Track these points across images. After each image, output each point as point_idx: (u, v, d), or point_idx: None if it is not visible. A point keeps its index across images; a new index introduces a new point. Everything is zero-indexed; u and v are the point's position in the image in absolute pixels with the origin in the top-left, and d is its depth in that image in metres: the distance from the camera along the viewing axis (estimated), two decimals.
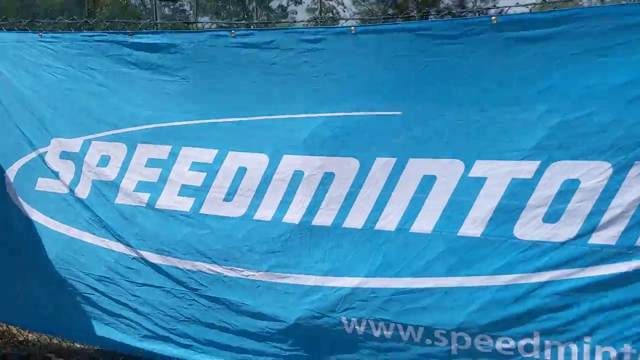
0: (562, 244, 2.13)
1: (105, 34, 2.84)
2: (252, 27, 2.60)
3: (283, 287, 2.54)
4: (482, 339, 2.27)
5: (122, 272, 2.83)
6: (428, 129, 2.29)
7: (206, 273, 2.67)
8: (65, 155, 2.93)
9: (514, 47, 2.12)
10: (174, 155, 2.69)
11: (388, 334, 2.39)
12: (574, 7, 2.28)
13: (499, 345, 2.25)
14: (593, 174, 2.07)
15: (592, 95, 2.05)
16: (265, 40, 2.50)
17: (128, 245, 2.79)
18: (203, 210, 2.65)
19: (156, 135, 2.73)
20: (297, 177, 2.46)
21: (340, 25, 2.50)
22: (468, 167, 2.24)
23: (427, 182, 2.30)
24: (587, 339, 2.13)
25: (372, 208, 2.37)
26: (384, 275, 2.39)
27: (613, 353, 2.10)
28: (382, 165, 2.33)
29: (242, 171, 2.58)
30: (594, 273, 2.10)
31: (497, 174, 2.20)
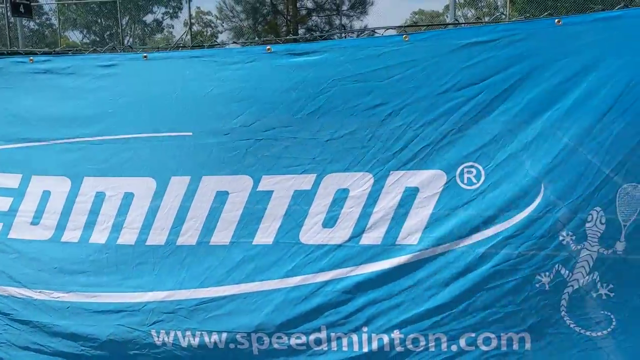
0: (339, 246, 2.40)
1: None
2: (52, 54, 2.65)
3: (93, 307, 2.61)
4: (278, 337, 2.48)
5: None
6: (219, 147, 2.48)
7: (17, 297, 2.68)
8: None
9: (286, 72, 2.38)
10: None
11: (195, 342, 2.54)
12: (334, 40, 2.58)
13: (293, 341, 2.47)
14: (359, 183, 2.36)
15: (354, 115, 2.35)
16: (62, 66, 2.57)
17: None
18: (11, 235, 2.66)
19: None
20: (99, 198, 2.56)
21: (133, 52, 2.63)
22: (256, 182, 2.46)
23: (221, 197, 2.49)
24: (364, 329, 2.41)
25: (172, 224, 2.52)
26: (189, 287, 2.54)
27: (385, 339, 2.39)
28: (178, 184, 2.49)
29: (46, 194, 2.63)
30: (366, 270, 2.39)
31: (282, 187, 2.44)
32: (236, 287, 2.51)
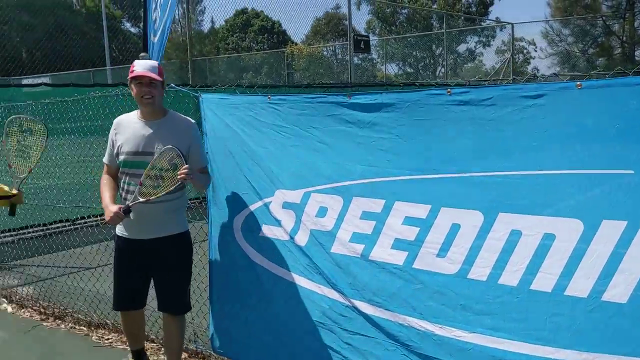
0: None
1: (326, 95, 3.08)
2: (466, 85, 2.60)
3: (497, 354, 2.46)
4: None
5: (336, 319, 2.98)
6: None
7: (416, 329, 2.69)
8: (287, 205, 3.20)
9: None
10: (387, 208, 2.79)
11: None
12: None
13: None
14: None
15: None
16: (481, 98, 2.51)
17: (342, 293, 2.94)
18: (416, 265, 2.70)
19: (371, 189, 2.86)
20: (514, 237, 2.40)
21: (562, 80, 2.41)
22: None
23: None
24: None
25: (598, 275, 2.21)
26: (615, 353, 2.19)
27: None
28: (611, 229, 2.17)
29: (455, 228, 2.59)
30: None
31: None
32: None
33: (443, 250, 2.62)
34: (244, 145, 3.42)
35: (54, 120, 6.95)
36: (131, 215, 3.26)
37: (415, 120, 2.73)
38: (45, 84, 8.89)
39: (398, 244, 2.75)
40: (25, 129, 4.08)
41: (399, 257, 2.75)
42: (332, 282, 2.98)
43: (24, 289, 5.60)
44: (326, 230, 3.01)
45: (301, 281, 3.14)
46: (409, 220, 2.73)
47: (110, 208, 3.24)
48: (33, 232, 7.61)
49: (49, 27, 26.67)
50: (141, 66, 3.30)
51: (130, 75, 3.29)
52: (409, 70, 31.69)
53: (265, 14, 37.47)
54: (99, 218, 7.31)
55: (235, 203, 3.52)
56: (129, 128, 3.39)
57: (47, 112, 6.27)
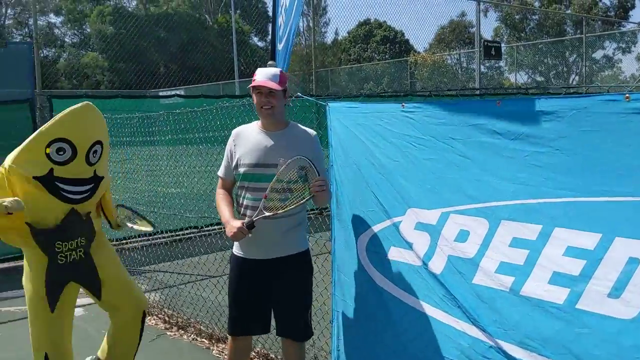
0: None
1: (470, 101, 2.70)
2: None
3: None
4: None
5: None
6: None
7: None
8: (420, 226, 2.85)
9: None
10: (544, 236, 2.36)
11: None
12: None
13: None
14: None
15: None
16: None
17: (485, 331, 2.53)
18: (580, 305, 2.24)
19: (523, 212, 2.44)
20: None
21: None
22: None
23: None
24: None
25: None
26: None
27: None
28: None
29: (633, 262, 2.10)
30: None
31: None
32: None
33: (617, 289, 2.14)
34: (372, 157, 3.13)
35: (184, 130, 7.16)
36: (253, 231, 3.08)
37: (582, 132, 2.28)
38: (178, 95, 9.26)
39: (558, 279, 2.31)
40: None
41: (558, 295, 2.30)
42: (473, 318, 2.58)
43: (151, 295, 5.72)
44: (467, 258, 2.62)
45: (435, 313, 2.77)
46: (573, 251, 2.28)
47: (233, 223, 3.06)
48: (162, 238, 7.88)
49: (183, 42, 28.33)
50: (261, 75, 3.11)
51: (252, 85, 3.13)
52: (538, 78, 30.04)
53: (388, 24, 37.49)
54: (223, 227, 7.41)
55: (361, 221, 3.23)
56: (249, 139, 3.20)
57: (178, 122, 6.44)
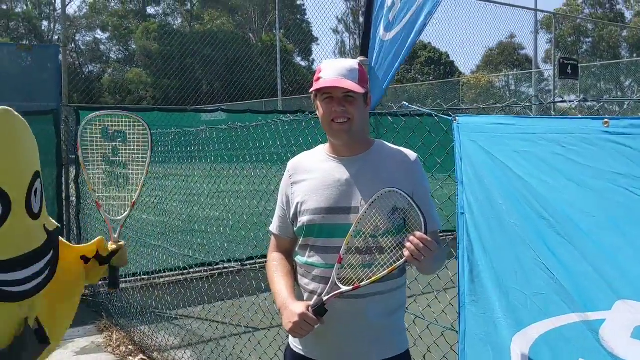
0: None
1: None
2: None
3: None
4: None
5: None
6: None
7: None
8: None
9: None
10: None
11: None
12: None
13: None
14: None
15: None
16: None
17: None
18: None
19: None
20: None
21: None
22: None
23: None
24: None
25: None
26: None
27: None
28: None
29: None
30: None
31: None
32: None
33: None
34: (543, 206, 1.91)
35: (228, 148, 6.03)
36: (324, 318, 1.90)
37: None
38: (222, 110, 8.27)
39: None
40: (112, 134, 2.40)
41: None
42: None
43: (185, 353, 4.56)
44: None
45: None
46: None
47: (292, 308, 1.89)
48: (195, 272, 6.77)
49: (228, 60, 27.84)
50: (331, 69, 1.95)
51: (315, 86, 1.97)
52: (589, 103, 28.66)
53: (433, 45, 36.79)
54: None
55: (517, 307, 2.00)
56: (314, 172, 2.07)
57: (223, 139, 5.39)
